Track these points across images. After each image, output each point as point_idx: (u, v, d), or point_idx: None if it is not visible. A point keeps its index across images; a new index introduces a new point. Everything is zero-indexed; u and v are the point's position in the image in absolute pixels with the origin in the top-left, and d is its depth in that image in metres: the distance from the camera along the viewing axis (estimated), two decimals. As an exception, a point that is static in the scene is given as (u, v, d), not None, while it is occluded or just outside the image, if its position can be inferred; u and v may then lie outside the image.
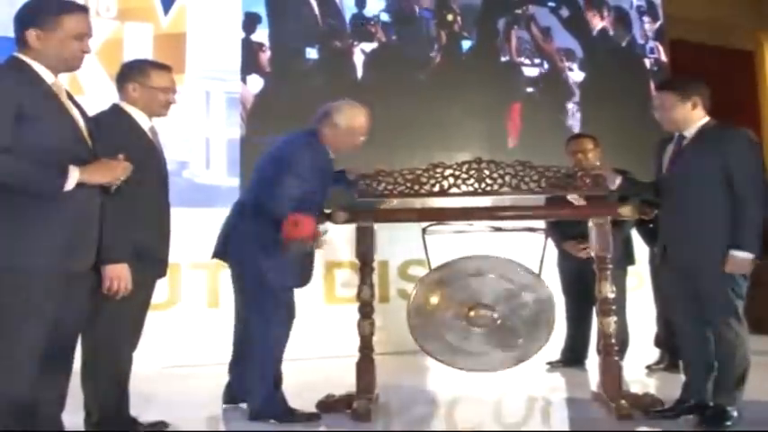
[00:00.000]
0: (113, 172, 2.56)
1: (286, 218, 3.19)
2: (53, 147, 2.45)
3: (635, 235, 4.78)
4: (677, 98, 3.31)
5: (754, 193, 3.16)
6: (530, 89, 7.03)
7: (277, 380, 3.43)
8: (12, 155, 2.35)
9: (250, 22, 6.01)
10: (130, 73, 3.13)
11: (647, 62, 7.51)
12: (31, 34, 2.49)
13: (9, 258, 2.37)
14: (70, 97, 2.62)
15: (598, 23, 7.34)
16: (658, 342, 4.87)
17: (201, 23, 5.80)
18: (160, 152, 3.15)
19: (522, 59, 7.01)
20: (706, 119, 3.33)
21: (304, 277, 3.52)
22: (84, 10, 2.61)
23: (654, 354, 4.88)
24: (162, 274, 3.16)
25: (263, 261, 3.33)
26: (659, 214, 3.47)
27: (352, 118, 3.53)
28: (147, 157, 3.00)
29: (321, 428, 3.37)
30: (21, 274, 2.38)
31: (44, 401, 2.47)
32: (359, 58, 6.40)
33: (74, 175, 2.44)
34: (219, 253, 3.56)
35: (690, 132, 3.32)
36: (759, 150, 3.31)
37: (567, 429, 3.61)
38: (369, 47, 6.45)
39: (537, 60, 7.06)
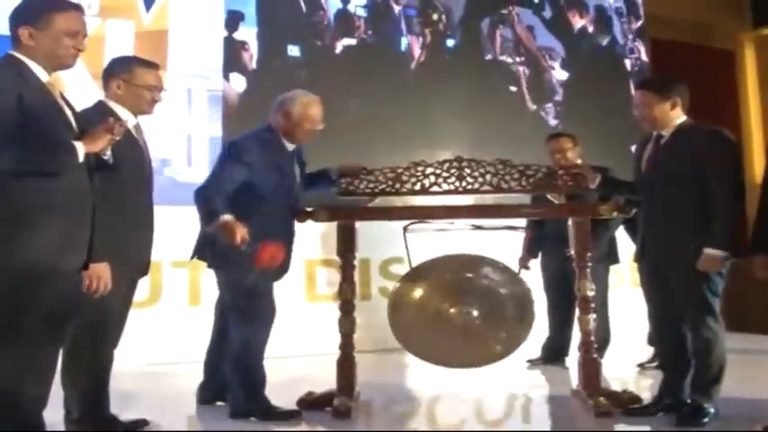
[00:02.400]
0: (107, 134, 2.56)
1: (213, 213, 3.22)
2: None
3: (619, 233, 4.80)
4: (657, 97, 3.32)
5: (728, 191, 3.18)
6: (513, 88, 7.06)
7: (260, 379, 3.43)
8: (21, 142, 2.38)
9: (233, 20, 5.99)
10: (115, 70, 3.11)
11: (628, 62, 7.56)
12: (24, 32, 2.51)
13: (4, 257, 2.38)
14: (62, 97, 2.63)
15: (578, 22, 7.38)
16: (652, 340, 4.88)
17: (184, 21, 5.77)
18: (144, 150, 3.14)
19: (506, 58, 7.04)
20: (683, 118, 3.36)
21: (279, 271, 3.52)
22: (76, 8, 2.64)
23: (643, 352, 4.87)
24: (143, 273, 3.15)
25: (236, 260, 3.32)
26: (638, 213, 3.50)
27: (304, 107, 3.51)
28: (131, 155, 2.99)
29: (301, 426, 3.37)
30: (16, 272, 2.39)
31: (27, 399, 2.47)
32: (342, 55, 6.40)
33: (80, 147, 2.49)
34: (197, 253, 3.55)
35: (667, 132, 3.35)
36: (734, 149, 3.34)
37: (547, 426, 3.64)
38: (352, 43, 6.45)
39: (520, 59, 7.09)
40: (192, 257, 3.58)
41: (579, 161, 4.59)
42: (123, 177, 2.82)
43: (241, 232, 3.16)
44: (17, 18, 2.54)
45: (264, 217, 3.35)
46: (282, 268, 3.51)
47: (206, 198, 3.30)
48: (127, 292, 3.08)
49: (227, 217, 3.19)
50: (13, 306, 2.40)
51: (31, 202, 2.42)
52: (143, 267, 3.14)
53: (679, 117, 3.35)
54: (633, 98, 3.45)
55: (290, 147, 3.54)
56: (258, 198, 3.37)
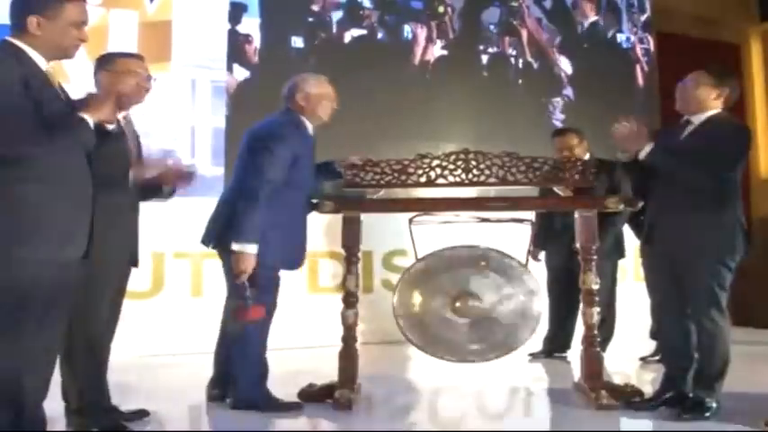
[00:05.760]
0: (109, 100, 2.58)
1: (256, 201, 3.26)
2: None
3: (626, 228, 4.78)
4: (709, 80, 3.32)
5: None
6: (520, 81, 7.04)
7: (262, 370, 3.43)
8: (33, 127, 2.37)
9: (235, 12, 5.97)
10: (100, 63, 3.12)
11: (633, 54, 7.53)
12: (32, 21, 2.48)
13: (6, 247, 2.37)
14: (60, 86, 2.62)
15: (592, 16, 7.36)
16: (654, 334, 4.86)
17: (187, 11, 5.75)
18: (132, 142, 3.11)
19: (513, 51, 7.02)
20: (718, 110, 3.34)
21: (297, 260, 3.53)
22: None
23: (646, 346, 4.86)
24: (133, 263, 3.13)
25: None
26: (647, 200, 3.46)
27: (320, 85, 3.57)
28: (115, 145, 2.95)
29: (303, 418, 3.37)
30: (17, 262, 2.38)
31: (27, 389, 2.45)
32: (347, 47, 6.38)
33: (88, 118, 2.49)
34: (205, 239, 3.54)
35: (697, 119, 3.34)
36: (744, 142, 3.31)
37: (548, 419, 3.64)
38: (360, 34, 6.43)
39: (529, 52, 7.07)
40: (204, 243, 3.56)
41: (587, 157, 4.58)
42: (105, 171, 2.78)
43: (247, 270, 3.25)
44: (26, 6, 2.50)
45: (287, 205, 3.37)
46: (298, 262, 3.53)
47: (251, 209, 3.27)
48: (119, 283, 3.07)
49: (251, 249, 3.25)
50: (14, 297, 2.39)
51: (37, 191, 2.40)
52: (131, 258, 3.10)
53: (715, 108, 3.33)
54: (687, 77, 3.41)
55: (311, 129, 3.56)
56: (288, 185, 3.37)
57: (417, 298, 3.70)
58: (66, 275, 2.51)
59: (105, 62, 3.12)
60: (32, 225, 2.40)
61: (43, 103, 2.43)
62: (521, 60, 7.04)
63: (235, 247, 3.26)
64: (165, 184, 3.22)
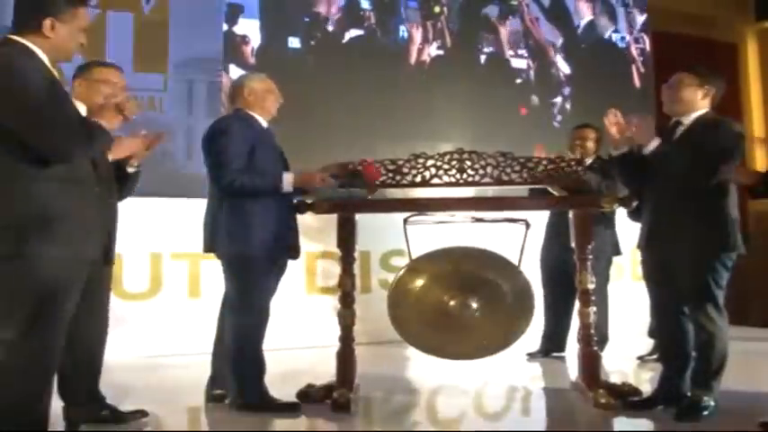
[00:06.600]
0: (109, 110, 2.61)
1: (242, 188, 3.31)
2: None
3: (621, 226, 4.78)
4: (695, 81, 3.33)
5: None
6: (517, 80, 7.05)
7: (258, 370, 3.43)
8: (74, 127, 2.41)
9: (232, 13, 5.98)
10: (76, 72, 3.16)
11: (629, 54, 7.55)
12: (48, 23, 2.47)
13: (26, 244, 2.36)
14: None
15: (588, 15, 7.37)
16: (652, 333, 4.85)
17: (184, 12, 5.76)
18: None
19: (511, 51, 7.03)
20: (706, 110, 3.35)
21: (290, 247, 3.52)
22: (89, 2, 2.62)
23: (644, 345, 4.85)
24: (106, 261, 3.10)
25: (242, 245, 3.33)
26: (644, 199, 3.47)
27: (262, 81, 3.62)
28: None
29: (301, 418, 3.37)
30: (37, 258, 2.38)
31: (42, 387, 2.47)
32: (343, 48, 6.39)
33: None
34: (204, 247, 3.54)
35: (686, 120, 3.34)
36: (737, 145, 3.32)
37: (546, 418, 3.64)
38: (358, 34, 6.44)
39: (526, 52, 7.08)
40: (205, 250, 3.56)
41: (592, 156, 4.63)
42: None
43: (319, 182, 3.45)
44: (42, 7, 2.48)
45: (269, 197, 3.37)
46: (290, 250, 3.53)
47: (245, 188, 3.33)
48: (101, 281, 3.05)
49: (289, 178, 3.38)
50: (31, 293, 2.38)
51: (56, 190, 2.42)
52: (105, 257, 3.06)
53: (703, 108, 3.34)
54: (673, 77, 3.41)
55: (264, 124, 3.57)
56: (261, 173, 3.39)
57: (411, 298, 3.70)
58: (82, 274, 2.53)
59: (82, 70, 3.15)
60: (52, 223, 2.40)
61: (67, 102, 2.46)
62: (519, 60, 7.05)
63: (288, 189, 3.37)
64: (135, 156, 3.23)
